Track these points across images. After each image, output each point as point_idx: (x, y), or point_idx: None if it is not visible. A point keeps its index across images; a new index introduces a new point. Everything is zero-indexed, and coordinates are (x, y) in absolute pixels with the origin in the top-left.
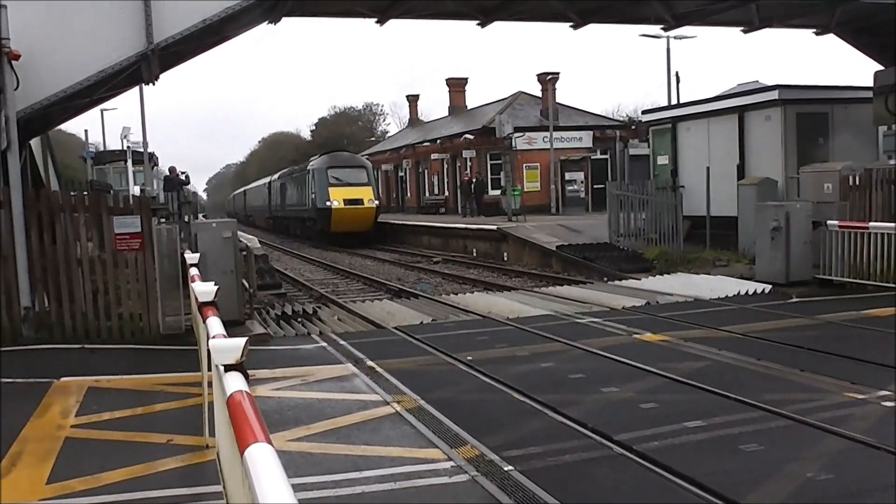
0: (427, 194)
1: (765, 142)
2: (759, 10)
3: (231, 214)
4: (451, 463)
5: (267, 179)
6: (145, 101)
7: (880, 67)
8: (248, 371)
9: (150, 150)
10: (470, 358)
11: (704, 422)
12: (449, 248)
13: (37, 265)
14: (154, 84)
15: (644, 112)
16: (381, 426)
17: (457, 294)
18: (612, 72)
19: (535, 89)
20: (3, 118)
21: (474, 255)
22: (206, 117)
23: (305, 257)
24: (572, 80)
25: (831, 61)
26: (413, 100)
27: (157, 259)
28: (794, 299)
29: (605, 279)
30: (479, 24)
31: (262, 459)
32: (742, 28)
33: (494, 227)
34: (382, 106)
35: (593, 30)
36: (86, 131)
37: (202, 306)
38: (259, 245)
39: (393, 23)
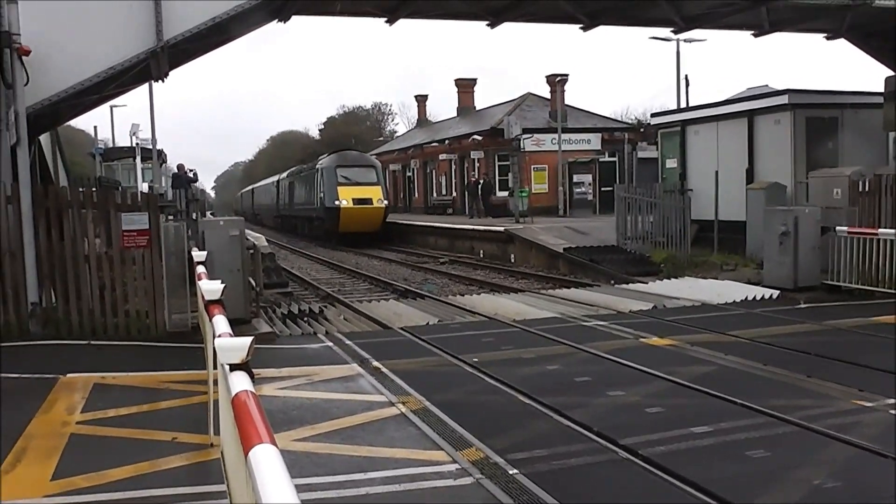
0: (434, 195)
1: (774, 146)
2: (769, 13)
3: (239, 213)
4: (456, 465)
5: (275, 178)
6: (154, 98)
7: (891, 73)
8: (254, 370)
9: (158, 147)
10: (476, 359)
11: (711, 427)
12: (455, 249)
13: (44, 261)
14: (163, 81)
15: (653, 115)
16: (386, 427)
17: (463, 295)
18: (621, 74)
19: (544, 91)
20: (13, 114)
21: (481, 256)
22: (215, 115)
23: (312, 256)
24: (581, 81)
25: (842, 66)
26: (421, 100)
27: (164, 256)
28: (802, 305)
29: (612, 282)
30: (488, 25)
31: (267, 460)
32: (752, 32)
33: (501, 229)
34: (391, 106)
35: (602, 31)
36: (95, 128)
37: (208, 304)
38: (266, 244)
39: (402, 23)
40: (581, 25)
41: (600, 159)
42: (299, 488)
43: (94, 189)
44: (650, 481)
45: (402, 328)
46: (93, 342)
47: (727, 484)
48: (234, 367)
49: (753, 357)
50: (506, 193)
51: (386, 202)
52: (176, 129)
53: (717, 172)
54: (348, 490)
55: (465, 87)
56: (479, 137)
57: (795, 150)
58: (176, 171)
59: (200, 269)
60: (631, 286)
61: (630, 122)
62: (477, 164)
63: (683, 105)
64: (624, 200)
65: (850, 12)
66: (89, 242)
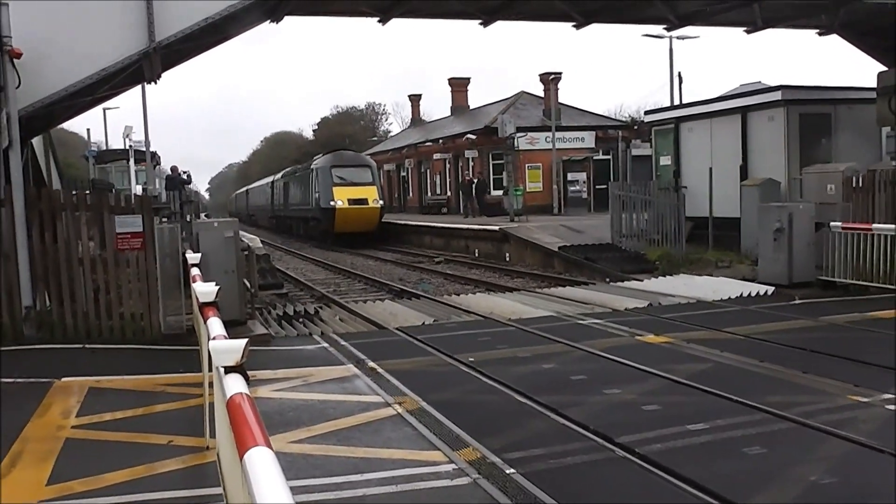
0: (429, 194)
1: (768, 142)
2: (762, 10)
3: (233, 214)
4: (453, 465)
5: (270, 179)
6: (147, 100)
7: (884, 68)
8: (249, 372)
9: (152, 149)
10: (472, 359)
11: (707, 424)
12: (451, 249)
13: (38, 264)
14: (156, 83)
15: (647, 112)
16: (382, 428)
17: (458, 295)
18: (615, 72)
19: (538, 89)
20: (5, 116)
21: (476, 255)
22: (209, 116)
23: (307, 257)
24: (575, 79)
25: (834, 62)
26: (415, 99)
27: (158, 258)
28: (797, 301)
29: (608, 280)
30: (481, 24)
31: (262, 463)
32: (745, 28)
33: (496, 228)
34: (385, 105)
35: (596, 29)
36: (88, 130)
37: (203, 307)
38: (261, 245)
39: (395, 22)
40: (574, 24)
41: (594, 157)
42: (296, 490)
43: (87, 192)
44: (647, 479)
45: (397, 328)
46: (87, 345)
47: (724, 481)
48: (228, 370)
49: (749, 354)
50: (500, 192)
51: (382, 202)
52: (169, 130)
53: (711, 169)
54: (345, 491)
55: (459, 86)
56: (474, 136)
57: (789, 146)
58: (170, 172)
59: (195, 271)
60: (626, 284)
61: (624, 119)
62: (471, 164)
63: (677, 102)
64: (618, 198)
65: (843, 8)
66: (83, 245)
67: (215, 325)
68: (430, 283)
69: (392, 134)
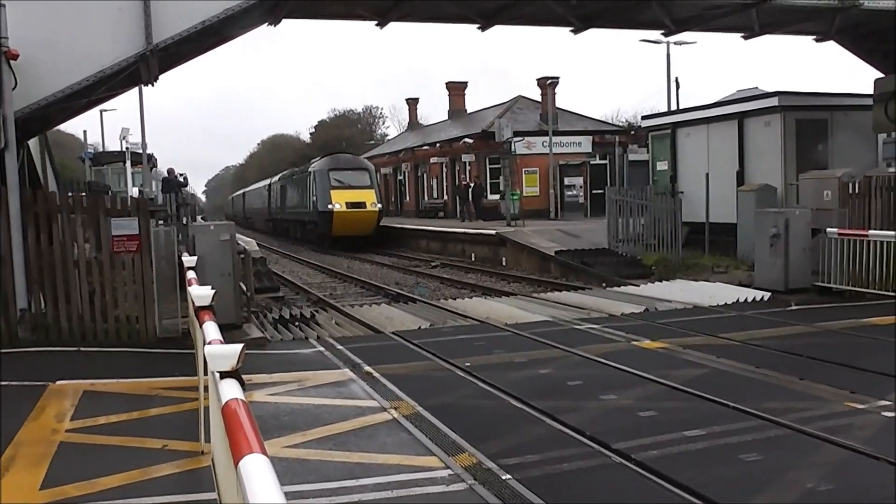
0: (426, 198)
1: (764, 148)
2: (759, 15)
3: (230, 217)
4: (449, 471)
5: (267, 181)
6: (144, 102)
7: (880, 75)
8: (245, 375)
9: (148, 151)
10: (468, 364)
11: (704, 430)
12: (447, 253)
13: (33, 266)
14: (153, 85)
15: (644, 117)
16: (378, 433)
17: (455, 299)
18: (612, 76)
19: (535, 94)
20: (1, 118)
21: (473, 259)
22: (206, 119)
23: (304, 260)
24: (572, 84)
25: (831, 68)
26: (412, 103)
27: (154, 261)
28: (794, 307)
29: (604, 285)
30: (479, 28)
31: (257, 472)
32: (742, 34)
33: (493, 232)
34: (382, 109)
35: (593, 34)
36: (84, 132)
37: (199, 310)
38: (257, 248)
39: (393, 26)
40: (572, 28)
41: (591, 162)
42: (291, 495)
43: (83, 194)
44: (643, 485)
45: (393, 332)
46: (82, 348)
47: (721, 487)
48: (224, 375)
49: (745, 360)
50: (497, 196)
51: (380, 206)
52: (166, 132)
53: (707, 175)
54: (340, 497)
55: (457, 89)
56: (471, 140)
57: (786, 152)
58: (166, 175)
59: (191, 274)
60: (623, 289)
61: (621, 124)
62: (468, 168)
63: (674, 107)
64: (615, 203)
65: (840, 14)
66: (79, 247)
67: (211, 329)
68: (427, 287)
69: (389, 137)
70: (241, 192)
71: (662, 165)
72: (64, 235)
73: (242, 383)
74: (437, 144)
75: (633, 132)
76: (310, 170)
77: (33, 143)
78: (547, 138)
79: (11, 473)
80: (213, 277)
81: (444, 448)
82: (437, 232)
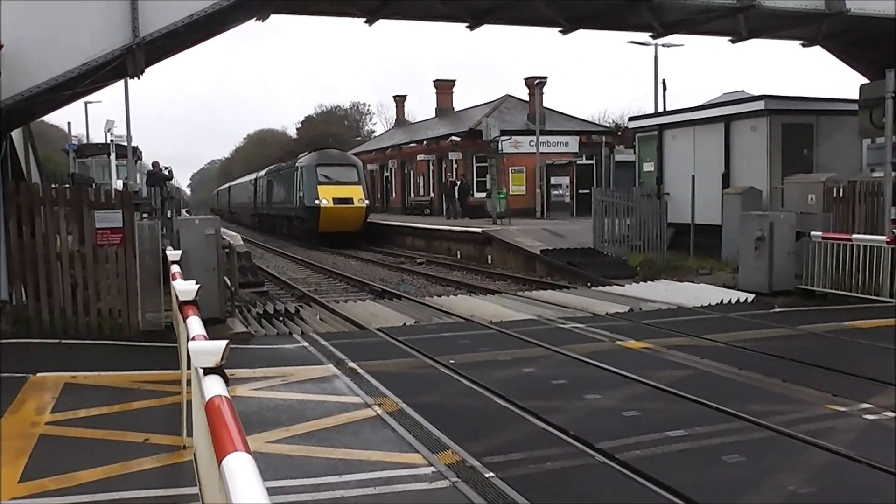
0: (412, 195)
1: (750, 151)
2: (747, 20)
3: (215, 211)
4: (432, 468)
5: (253, 176)
6: (130, 95)
7: (866, 81)
8: (228, 370)
9: (133, 144)
10: (452, 361)
11: (687, 431)
12: (433, 250)
13: (15, 259)
14: (139, 78)
15: (631, 118)
16: (361, 429)
17: (440, 296)
18: (599, 77)
19: (523, 93)
20: None
21: (458, 257)
22: (192, 112)
23: (289, 256)
24: (559, 84)
25: (817, 74)
26: (400, 100)
27: (138, 255)
28: (777, 309)
29: (589, 285)
30: (468, 27)
31: (241, 470)
32: (730, 38)
33: (479, 230)
34: (369, 106)
35: (581, 35)
36: (69, 123)
37: (183, 305)
38: (242, 242)
39: (382, 24)
40: (561, 29)
41: (578, 162)
42: (273, 491)
43: (67, 186)
44: (626, 486)
45: (378, 329)
46: (64, 341)
47: (703, 489)
48: (208, 371)
49: (729, 361)
50: (483, 195)
51: (367, 202)
52: (152, 125)
53: (693, 177)
54: (323, 493)
55: (444, 88)
56: (458, 139)
57: (771, 155)
58: (151, 168)
59: (175, 268)
60: (607, 289)
61: (607, 125)
62: (455, 166)
63: (661, 109)
64: (601, 203)
65: (827, 20)
66: (62, 240)
67: (195, 324)
68: (412, 284)
69: (376, 134)
70: (227, 186)
71: (649, 167)
72: (47, 228)
73: (226, 380)
74: (425, 142)
75: (619, 133)
76: (297, 165)
77: (16, 135)
78: (534, 138)
79: None
80: (198, 272)
81: (427, 445)
82: (423, 229)
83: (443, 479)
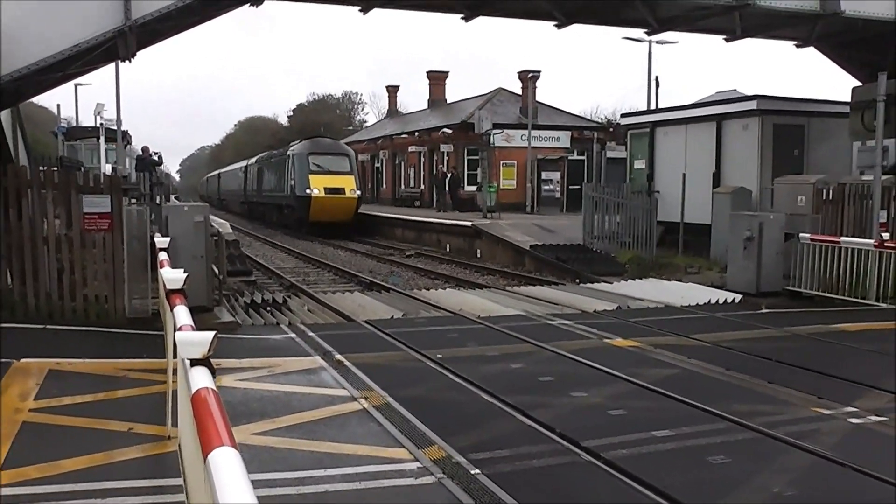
0: (403, 187)
1: (741, 151)
2: (742, 18)
3: (204, 198)
4: (418, 464)
5: (243, 163)
6: (121, 78)
7: (858, 83)
8: (214, 360)
9: (123, 128)
10: (440, 356)
11: (672, 431)
12: (422, 242)
13: (1, 242)
14: (131, 61)
15: (623, 115)
16: (347, 423)
17: (429, 289)
18: (592, 73)
19: (516, 86)
20: None
21: (447, 250)
22: (183, 98)
23: (278, 245)
24: (553, 79)
25: (809, 75)
26: (393, 91)
27: (125, 240)
28: (764, 310)
29: (578, 281)
30: (463, 18)
31: (227, 465)
32: (724, 36)
33: (469, 224)
34: (361, 95)
35: (575, 30)
36: (58, 106)
37: (170, 293)
38: (231, 230)
39: (377, 12)
40: (556, 23)
41: (569, 157)
42: (258, 484)
43: (55, 169)
44: (612, 485)
45: (366, 321)
46: (49, 326)
47: (688, 489)
48: (194, 362)
49: (715, 361)
50: (474, 188)
51: (359, 192)
52: (142, 109)
53: (684, 175)
54: (308, 487)
55: (437, 79)
56: (450, 131)
57: (762, 155)
58: (140, 153)
59: (163, 255)
60: (596, 286)
61: (599, 121)
62: (446, 158)
63: (654, 106)
64: (592, 199)
65: (821, 21)
66: (49, 224)
67: (182, 313)
68: (401, 277)
69: (368, 124)
70: (217, 172)
71: (640, 164)
72: (34, 211)
73: (213, 371)
74: (416, 133)
75: (611, 129)
76: (288, 153)
77: (4, 116)
78: (526, 132)
79: None
80: (186, 259)
81: (413, 440)
82: (412, 221)
83: (428, 475)
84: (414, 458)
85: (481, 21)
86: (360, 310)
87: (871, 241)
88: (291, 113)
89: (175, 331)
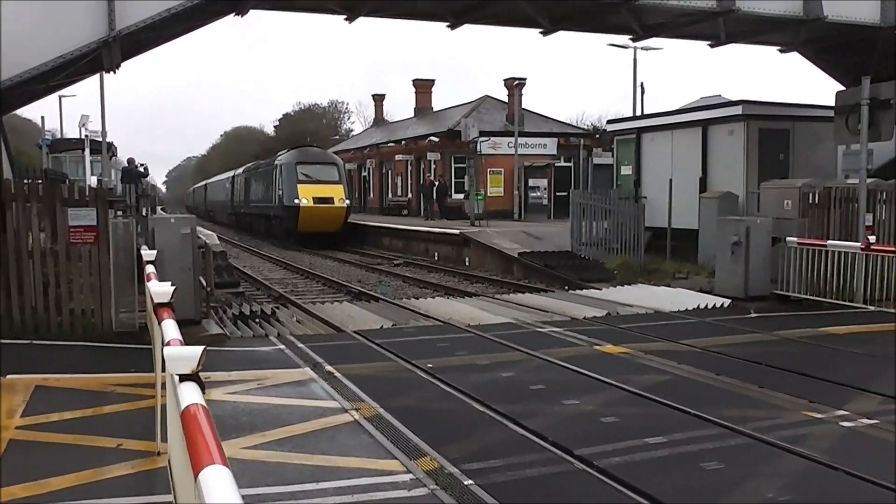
0: (390, 195)
1: (727, 156)
2: (726, 24)
3: (191, 209)
4: (411, 475)
5: (230, 173)
6: (105, 89)
7: (842, 87)
8: (203, 373)
9: (108, 139)
10: (430, 365)
11: (665, 437)
12: (410, 251)
13: None
14: (115, 72)
15: (609, 121)
16: (338, 435)
17: (418, 298)
18: (578, 80)
19: (502, 94)
20: None
21: (436, 258)
22: (168, 109)
23: (265, 255)
24: (538, 86)
25: (793, 80)
26: (379, 99)
27: (112, 253)
28: (753, 314)
29: (566, 288)
30: (449, 26)
31: (218, 484)
32: (709, 42)
33: (457, 232)
34: (347, 104)
35: (561, 37)
36: (42, 118)
37: (158, 307)
38: (218, 242)
39: (362, 21)
40: (542, 30)
41: (556, 164)
42: (249, 499)
43: (39, 182)
44: (606, 493)
45: (355, 331)
46: (35, 341)
47: (682, 496)
48: (183, 378)
49: (706, 366)
50: (461, 196)
51: (348, 201)
52: (128, 121)
53: (671, 180)
54: (300, 500)
55: (423, 87)
56: (436, 139)
57: (748, 160)
58: (126, 165)
59: (150, 268)
60: (585, 292)
61: (586, 128)
62: (433, 166)
63: (639, 112)
64: (579, 206)
65: (804, 26)
66: (33, 237)
67: (170, 327)
68: (389, 286)
69: (354, 133)
70: (203, 183)
71: (627, 170)
72: (18, 224)
73: (202, 386)
74: (403, 142)
75: (598, 136)
76: (276, 162)
77: None
78: (512, 139)
79: None
80: (173, 272)
81: (405, 451)
82: (400, 230)
83: (421, 486)
84: (406, 469)
85: (467, 29)
86: (350, 320)
87: (858, 245)
88: (277, 123)
89: (163, 345)
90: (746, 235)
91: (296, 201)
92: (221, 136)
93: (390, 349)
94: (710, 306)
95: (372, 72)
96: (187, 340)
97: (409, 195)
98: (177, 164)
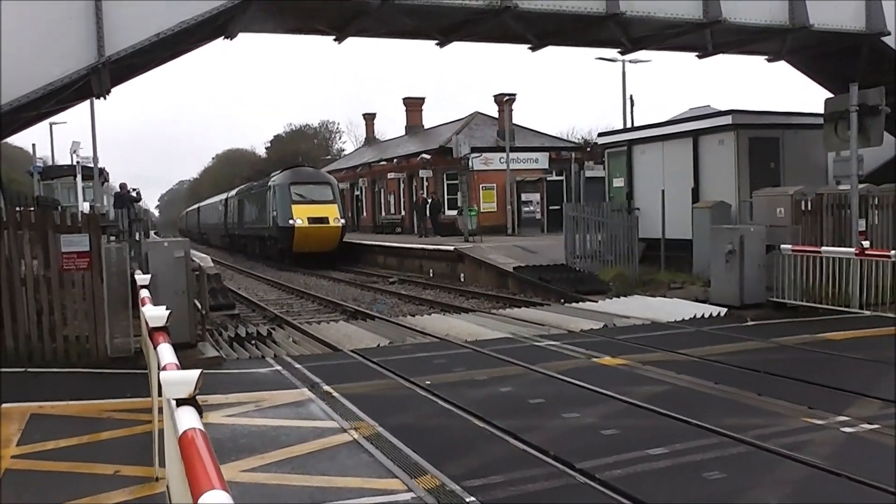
0: (383, 213)
1: (718, 165)
2: (713, 35)
3: (184, 232)
4: (412, 494)
5: (223, 196)
6: (96, 115)
7: (830, 95)
8: (200, 397)
9: (100, 165)
10: (428, 382)
11: (666, 448)
12: (405, 269)
13: None
14: (105, 98)
15: (600, 134)
16: (338, 455)
17: (414, 315)
18: (568, 94)
19: (492, 110)
20: None
21: (431, 275)
22: (159, 133)
23: (260, 277)
24: (528, 101)
25: (781, 88)
26: (370, 118)
27: (105, 278)
28: (749, 322)
29: (562, 301)
30: (437, 44)
31: None
32: (697, 53)
33: (451, 248)
34: (339, 124)
35: (550, 52)
36: (33, 145)
37: (153, 332)
38: (212, 264)
39: (351, 41)
40: (530, 46)
41: (548, 178)
42: None
43: (31, 209)
44: None
45: (352, 350)
46: (29, 369)
47: None
48: (180, 402)
49: (704, 376)
50: (455, 212)
51: (343, 221)
52: (118, 146)
53: (663, 191)
54: None
55: (414, 105)
56: (428, 156)
57: (739, 169)
58: (118, 189)
59: (144, 293)
60: (581, 305)
61: (576, 141)
62: (426, 183)
63: (629, 124)
64: (572, 219)
65: (791, 35)
66: (26, 264)
67: (166, 352)
68: (385, 304)
69: (346, 152)
70: (196, 206)
71: (619, 182)
72: (10, 252)
73: (200, 411)
74: (395, 160)
75: (589, 149)
76: (270, 183)
77: None
78: (504, 154)
79: None
80: (167, 295)
81: (406, 470)
82: (394, 248)
83: None
84: (407, 488)
85: (456, 46)
86: (346, 339)
87: (852, 250)
88: (269, 144)
89: (159, 369)
90: (740, 244)
91: (290, 222)
92: (213, 158)
93: (388, 367)
94: (706, 315)
95: (362, 91)
96: (183, 364)
97: (403, 213)
98: (169, 188)
